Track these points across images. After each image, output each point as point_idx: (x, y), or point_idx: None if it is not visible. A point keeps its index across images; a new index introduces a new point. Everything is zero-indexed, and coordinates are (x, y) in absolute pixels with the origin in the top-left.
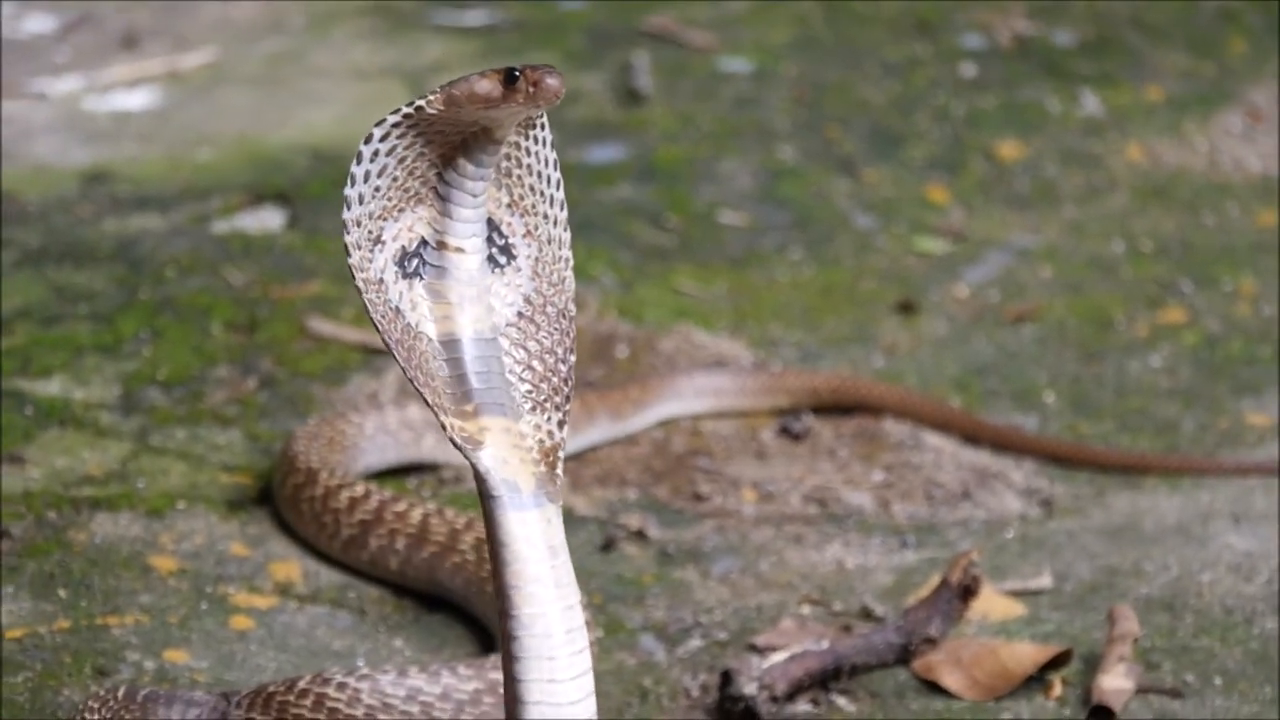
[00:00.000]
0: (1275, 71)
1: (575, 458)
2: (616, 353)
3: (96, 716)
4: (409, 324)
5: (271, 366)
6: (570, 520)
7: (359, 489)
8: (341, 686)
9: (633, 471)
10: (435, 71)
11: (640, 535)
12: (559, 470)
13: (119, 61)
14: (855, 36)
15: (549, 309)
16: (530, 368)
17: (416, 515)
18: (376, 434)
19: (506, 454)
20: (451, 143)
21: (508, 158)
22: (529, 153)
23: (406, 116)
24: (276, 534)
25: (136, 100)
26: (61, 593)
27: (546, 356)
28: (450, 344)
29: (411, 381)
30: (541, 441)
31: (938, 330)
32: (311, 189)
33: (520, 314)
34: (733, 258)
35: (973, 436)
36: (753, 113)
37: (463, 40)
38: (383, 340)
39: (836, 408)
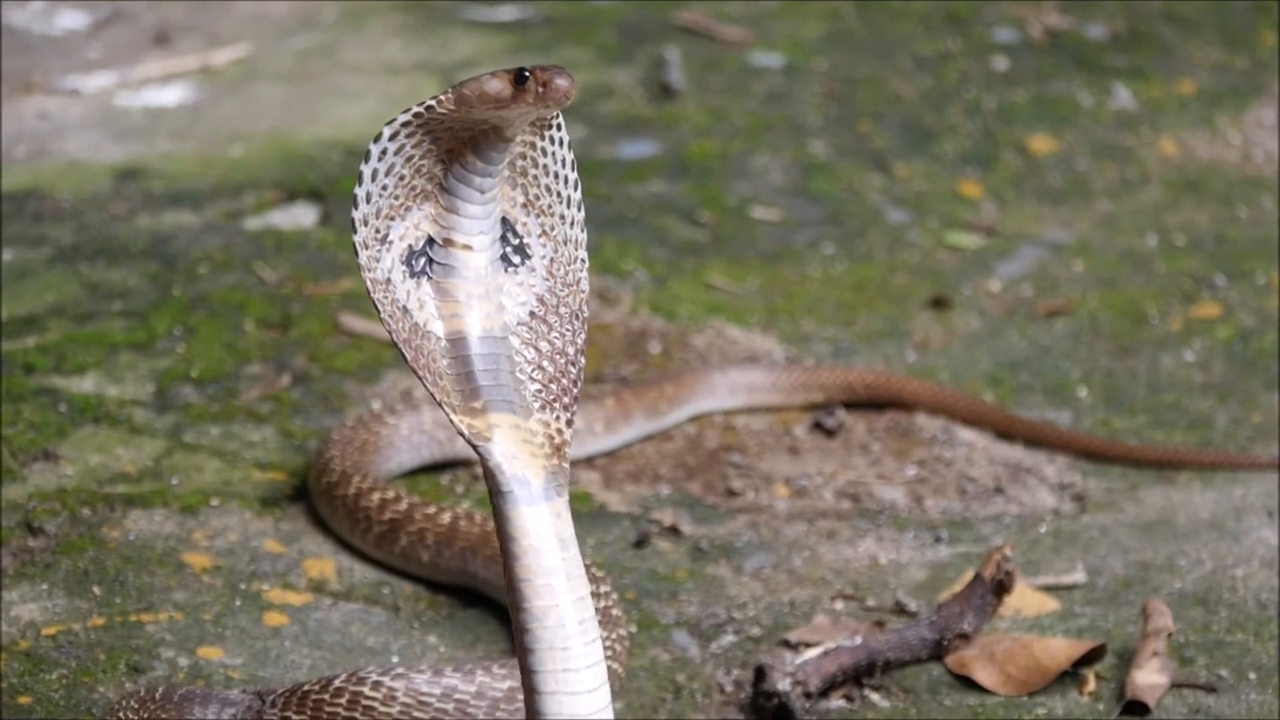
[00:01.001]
0: None
1: (609, 454)
2: (649, 349)
3: (134, 717)
4: (416, 323)
5: (305, 363)
6: (603, 516)
7: (390, 493)
8: (377, 685)
9: (665, 467)
10: (467, 67)
11: (673, 531)
12: (567, 464)
13: (151, 58)
14: (887, 31)
15: (562, 310)
16: (541, 368)
17: (446, 518)
18: (412, 434)
19: (516, 449)
20: (461, 140)
21: (523, 157)
22: (545, 153)
23: (417, 116)
24: (310, 531)
25: (169, 96)
26: (96, 590)
27: (558, 357)
28: (458, 342)
29: (420, 379)
30: (551, 438)
31: (970, 325)
32: (344, 185)
33: (533, 314)
34: (765, 253)
35: (1006, 432)
36: (785, 108)
37: (494, 35)
38: (391, 339)
39: (870, 403)
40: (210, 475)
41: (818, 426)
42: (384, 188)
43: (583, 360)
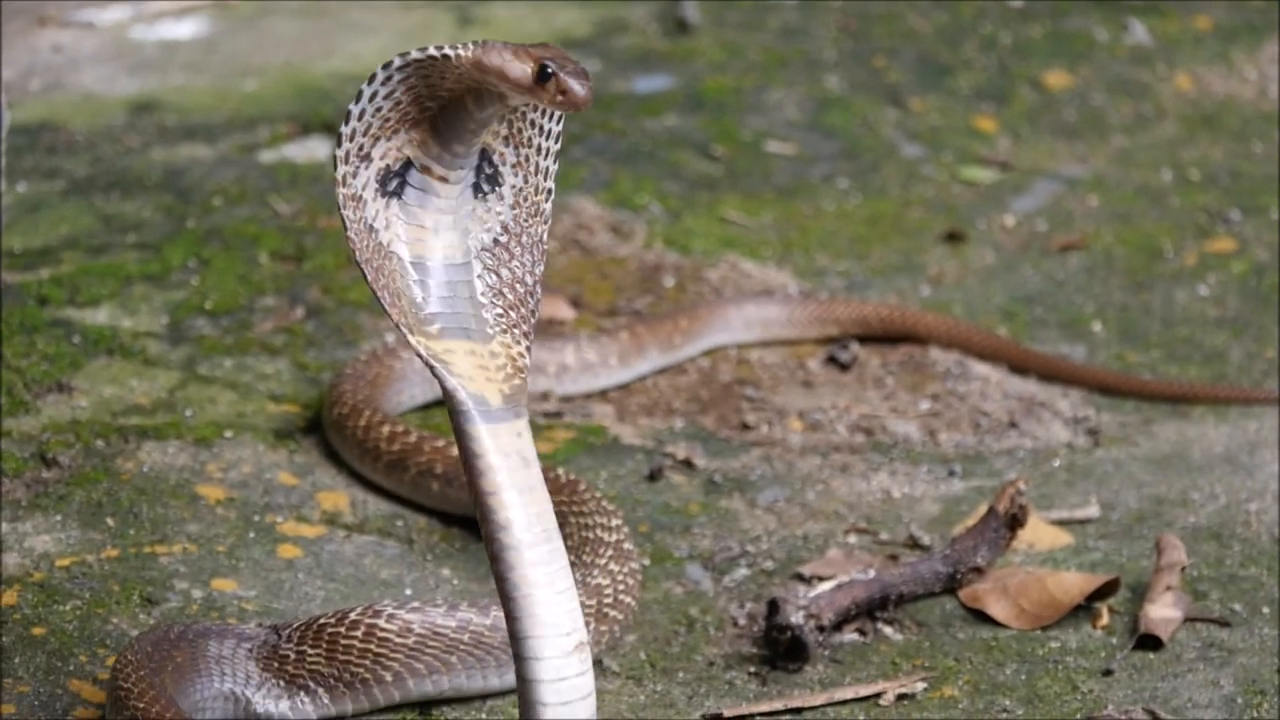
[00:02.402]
0: None
1: (623, 387)
2: (663, 282)
3: (147, 657)
4: (380, 242)
5: (319, 296)
6: (617, 449)
7: (400, 426)
8: (392, 618)
9: (679, 401)
10: (482, 2)
11: (687, 464)
12: (525, 386)
13: None
14: None
15: (525, 238)
16: (501, 294)
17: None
18: (425, 368)
19: (473, 371)
20: (465, 86)
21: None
22: None
23: (431, 58)
24: (324, 463)
25: (184, 30)
26: (110, 522)
27: (517, 285)
28: (420, 265)
29: (379, 299)
30: (512, 359)
31: (985, 259)
32: None
33: (496, 241)
34: (780, 187)
35: (1020, 366)
36: (800, 43)
37: None
38: (353, 257)
39: (884, 337)
40: (224, 407)
41: (831, 360)
42: (379, 109)
43: (540, 292)
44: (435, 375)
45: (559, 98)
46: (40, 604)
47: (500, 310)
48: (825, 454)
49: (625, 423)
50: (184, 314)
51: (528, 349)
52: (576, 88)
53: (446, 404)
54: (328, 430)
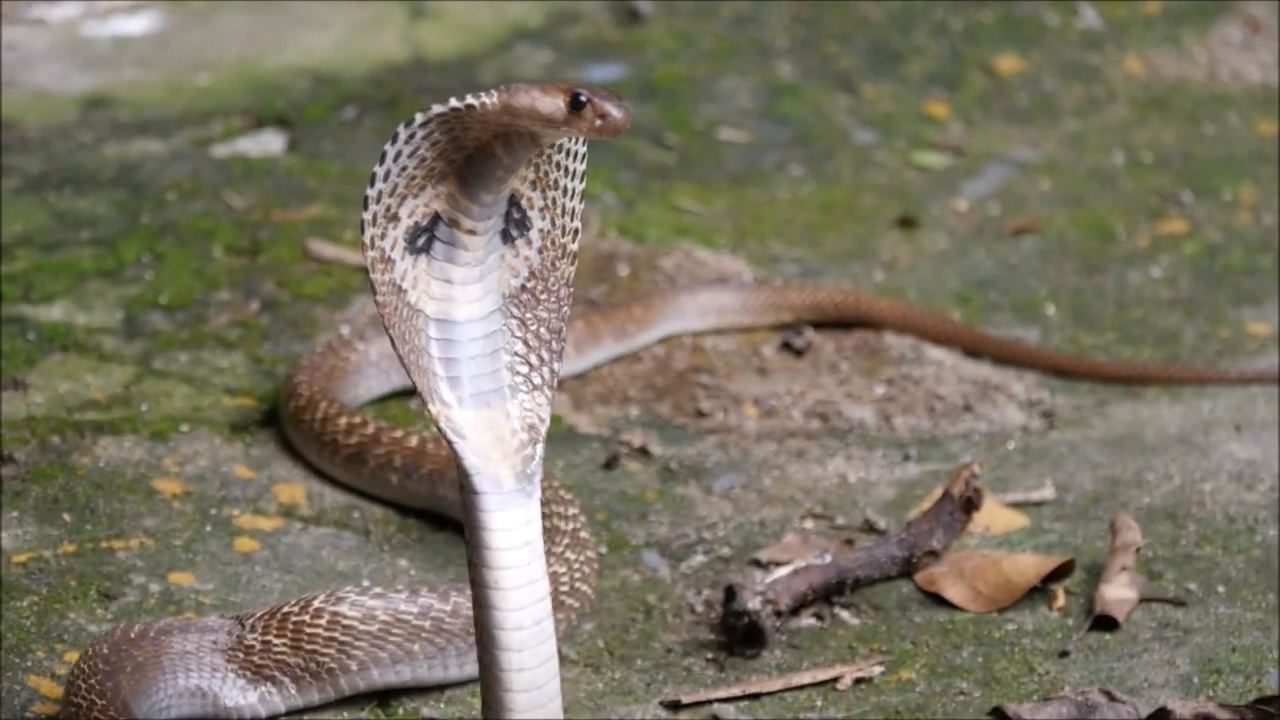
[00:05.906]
0: None
1: (579, 376)
2: (618, 271)
3: (104, 665)
4: (409, 303)
5: (273, 289)
6: (573, 438)
7: (357, 418)
8: (355, 605)
9: (635, 389)
10: None
11: (643, 452)
12: (539, 455)
13: None
14: None
15: (551, 280)
16: (526, 343)
17: (414, 440)
18: (381, 360)
19: (490, 448)
20: (494, 134)
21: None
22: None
23: (454, 110)
24: (280, 456)
25: (136, 25)
26: (66, 517)
27: (543, 331)
28: (446, 324)
29: (404, 365)
30: (529, 428)
31: (938, 244)
32: (311, 112)
33: (524, 287)
34: (733, 175)
35: (974, 349)
36: (752, 31)
37: None
38: (381, 321)
39: (838, 323)
40: (180, 401)
41: (786, 346)
42: (404, 168)
43: (565, 328)
44: (453, 452)
45: (598, 123)
46: None
47: (526, 366)
48: (781, 440)
49: (581, 411)
50: (139, 309)
51: (549, 402)
52: (614, 110)
53: (459, 479)
54: (284, 424)
